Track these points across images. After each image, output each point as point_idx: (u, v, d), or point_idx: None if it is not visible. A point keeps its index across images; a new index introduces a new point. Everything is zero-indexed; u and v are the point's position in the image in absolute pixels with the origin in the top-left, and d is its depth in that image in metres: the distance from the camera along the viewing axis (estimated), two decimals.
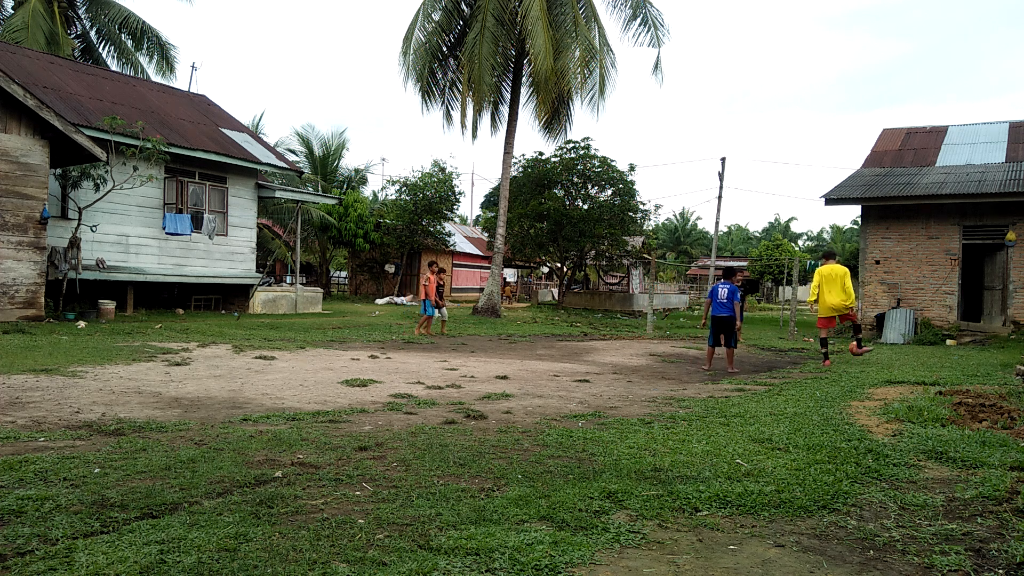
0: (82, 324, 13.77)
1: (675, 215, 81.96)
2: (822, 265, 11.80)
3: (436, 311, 16.60)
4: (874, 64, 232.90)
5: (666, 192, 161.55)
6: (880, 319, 17.80)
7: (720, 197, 41.08)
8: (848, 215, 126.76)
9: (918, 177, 18.86)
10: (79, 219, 15.82)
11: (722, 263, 30.39)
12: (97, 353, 9.59)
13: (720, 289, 11.63)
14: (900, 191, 17.94)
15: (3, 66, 14.22)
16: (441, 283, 17.00)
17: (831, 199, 18.50)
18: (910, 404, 6.61)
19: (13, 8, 25.61)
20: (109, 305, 15.79)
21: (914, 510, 3.70)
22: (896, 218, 18.30)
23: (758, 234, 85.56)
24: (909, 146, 21.57)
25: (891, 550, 3.16)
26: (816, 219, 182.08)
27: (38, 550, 2.85)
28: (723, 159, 40.73)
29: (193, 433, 5.08)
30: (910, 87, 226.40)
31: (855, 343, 11.86)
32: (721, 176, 41.80)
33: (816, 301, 11.71)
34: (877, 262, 18.58)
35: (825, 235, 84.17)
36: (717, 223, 42.82)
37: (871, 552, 3.14)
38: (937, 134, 21.95)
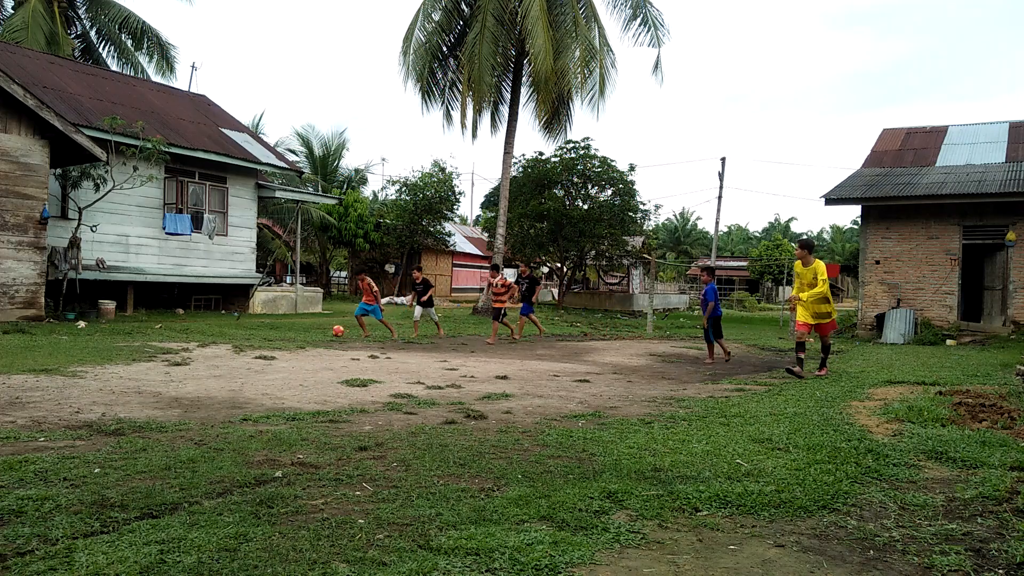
0: (82, 324, 13.77)
1: (675, 215, 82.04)
2: (813, 256, 9.81)
3: (421, 310, 15.86)
4: (874, 64, 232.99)
5: (666, 192, 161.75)
6: (880, 319, 17.80)
7: (720, 197, 41.08)
8: (848, 215, 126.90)
9: (918, 177, 18.85)
10: (79, 219, 15.83)
11: (722, 263, 30.43)
12: (97, 353, 9.59)
13: (715, 289, 12.28)
14: (900, 191, 17.93)
15: (3, 66, 14.23)
16: (428, 284, 16.12)
17: (831, 199, 18.50)
18: (910, 404, 6.61)
19: (13, 8, 25.63)
20: (109, 305, 15.80)
21: (914, 510, 3.70)
22: (896, 218, 18.29)
23: (758, 234, 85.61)
24: (909, 146, 21.57)
25: (891, 550, 3.16)
26: (816, 219, 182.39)
27: (38, 550, 2.84)
28: (723, 159, 40.75)
29: (193, 433, 5.08)
30: (911, 87, 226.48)
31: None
32: (721, 176, 41.81)
33: (826, 301, 9.60)
34: (877, 262, 18.57)
35: (825, 235, 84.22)
36: (717, 223, 42.75)
37: (871, 552, 3.14)
38: (937, 134, 21.94)
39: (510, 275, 44.01)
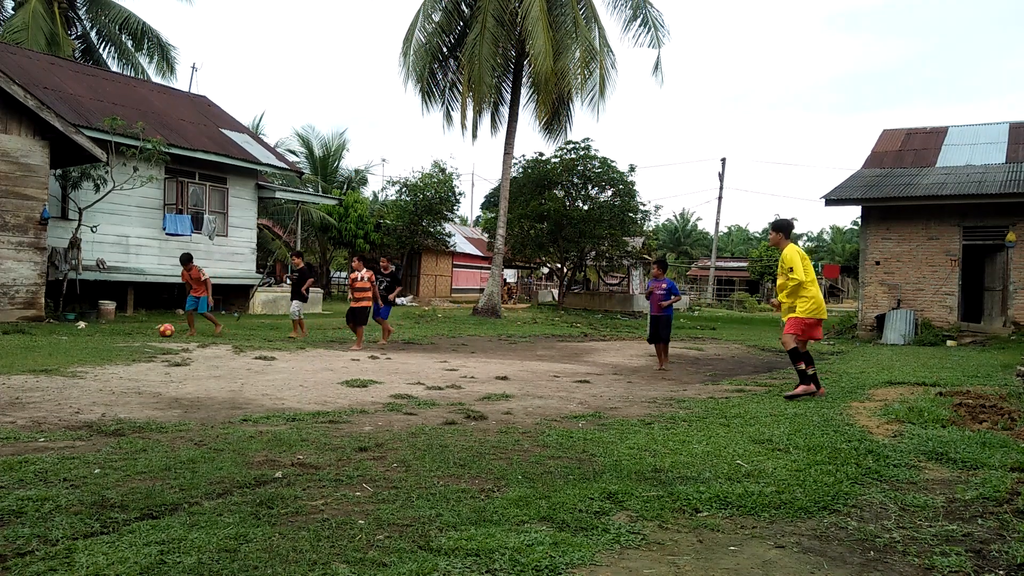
0: (82, 324, 13.77)
1: (675, 216, 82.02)
2: (788, 241, 7.81)
3: (299, 304, 13.89)
4: (875, 65, 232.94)
5: (666, 193, 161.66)
6: (880, 320, 17.80)
7: (720, 198, 41.13)
8: (848, 216, 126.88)
9: (918, 178, 18.86)
10: (79, 219, 15.83)
11: (722, 263, 30.54)
12: (97, 353, 9.59)
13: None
14: (900, 192, 17.93)
15: (3, 67, 14.23)
16: (305, 275, 14.18)
17: (831, 200, 18.50)
18: (910, 405, 6.61)
19: (13, 9, 25.64)
20: (109, 305, 15.79)
21: (914, 511, 3.70)
22: (896, 219, 18.29)
23: (758, 235, 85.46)
24: (909, 147, 21.57)
25: (892, 551, 3.16)
26: (816, 220, 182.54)
27: (38, 550, 2.84)
28: (723, 160, 40.80)
29: (193, 434, 5.08)
30: (911, 88, 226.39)
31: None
32: (721, 177, 41.88)
33: (799, 296, 7.42)
34: (877, 263, 18.57)
35: (825, 236, 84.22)
36: (717, 224, 42.80)
37: (872, 553, 3.14)
38: (937, 135, 21.94)
39: (510, 276, 43.99)
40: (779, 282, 7.68)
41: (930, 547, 3.20)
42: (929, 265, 17.99)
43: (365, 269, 13.24)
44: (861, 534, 3.35)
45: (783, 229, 7.87)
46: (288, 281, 13.82)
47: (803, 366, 7.32)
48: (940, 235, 17.90)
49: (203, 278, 13.68)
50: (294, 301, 14.06)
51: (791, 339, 7.41)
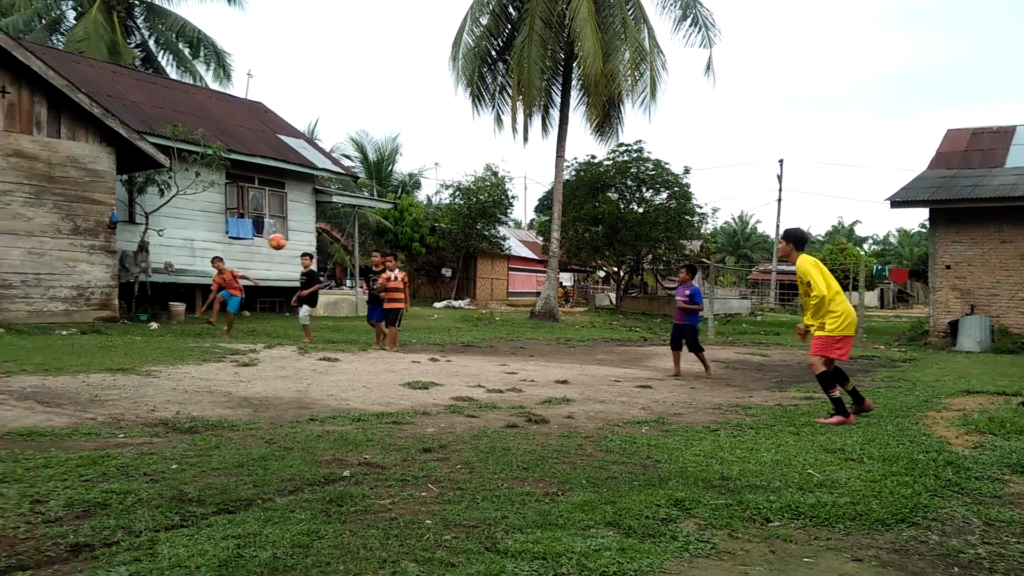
0: (154, 325, 14.28)
1: (733, 218, 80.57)
2: (799, 253, 6.70)
3: (309, 309, 13.19)
4: (936, 63, 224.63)
5: (723, 195, 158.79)
6: (953, 326, 17.13)
7: (780, 200, 40.24)
8: (915, 218, 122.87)
9: (987, 179, 18.08)
10: (146, 223, 16.42)
11: (784, 267, 29.84)
12: (169, 353, 9.93)
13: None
14: (969, 193, 17.23)
15: (68, 76, 14.83)
16: (313, 277, 13.45)
17: (896, 201, 17.89)
18: (991, 415, 6.32)
19: (75, 19, 26.74)
20: (179, 307, 16.33)
21: (1000, 526, 3.53)
22: (966, 221, 17.57)
23: (821, 238, 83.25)
24: (975, 147, 20.69)
25: (977, 567, 3.03)
26: (881, 222, 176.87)
27: (123, 541, 2.95)
28: (781, 161, 39.94)
29: (263, 432, 5.20)
30: (974, 87, 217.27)
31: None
32: (779, 178, 41.00)
33: (823, 310, 6.41)
34: (948, 267, 17.87)
35: (892, 239, 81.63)
36: (777, 227, 41.87)
37: (955, 569, 3.01)
38: (1004, 134, 20.99)
39: (566, 279, 43.80)
40: (803, 302, 6.70)
41: (1019, 564, 3.05)
42: (1003, 269, 17.22)
43: (396, 267, 12.64)
44: (943, 549, 3.22)
45: (794, 239, 6.77)
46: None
47: (837, 392, 6.37)
48: (1014, 238, 17.12)
49: (238, 276, 14.14)
50: (304, 306, 13.06)
51: (820, 361, 6.43)
